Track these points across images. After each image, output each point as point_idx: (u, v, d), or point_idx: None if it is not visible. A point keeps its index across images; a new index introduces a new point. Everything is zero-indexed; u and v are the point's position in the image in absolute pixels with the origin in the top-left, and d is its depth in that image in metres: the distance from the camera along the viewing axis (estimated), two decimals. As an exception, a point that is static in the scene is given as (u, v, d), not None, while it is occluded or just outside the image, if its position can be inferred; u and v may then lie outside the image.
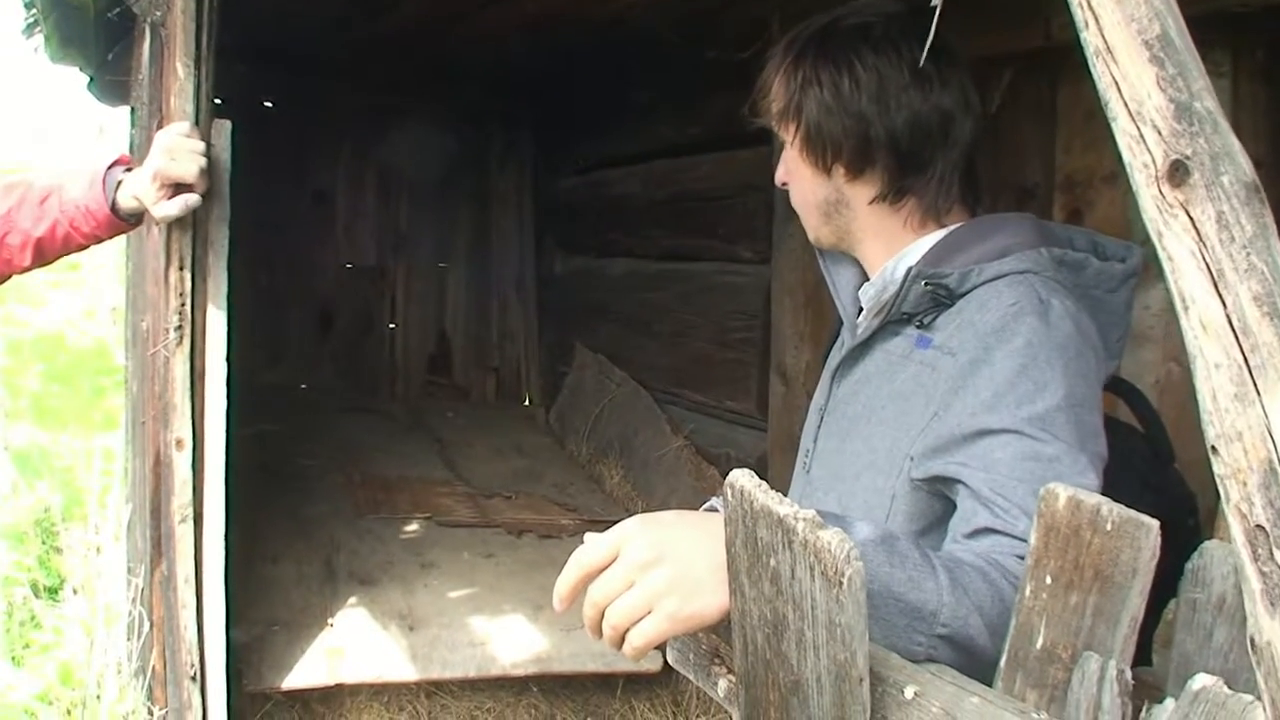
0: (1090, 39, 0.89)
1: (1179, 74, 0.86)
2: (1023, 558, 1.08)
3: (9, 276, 2.54)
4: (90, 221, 2.46)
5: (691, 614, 1.15)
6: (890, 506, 1.59)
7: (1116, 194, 2.78)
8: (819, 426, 1.81)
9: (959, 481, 1.45)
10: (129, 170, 2.52)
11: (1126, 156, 0.88)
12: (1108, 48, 0.88)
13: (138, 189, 2.47)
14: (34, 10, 4.62)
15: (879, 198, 1.70)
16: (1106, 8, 0.87)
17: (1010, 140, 3.04)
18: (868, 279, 1.78)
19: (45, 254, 2.50)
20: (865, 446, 1.65)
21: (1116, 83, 0.88)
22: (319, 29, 4.98)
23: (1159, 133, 0.86)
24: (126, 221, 2.52)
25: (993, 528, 1.37)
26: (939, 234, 1.70)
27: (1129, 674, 0.97)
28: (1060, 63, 2.82)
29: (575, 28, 4.47)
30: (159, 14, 2.93)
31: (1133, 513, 0.98)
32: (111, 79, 5.00)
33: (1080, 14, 0.89)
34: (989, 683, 1.06)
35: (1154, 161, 0.86)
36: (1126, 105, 0.87)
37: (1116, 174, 2.75)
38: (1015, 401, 1.45)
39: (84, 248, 2.55)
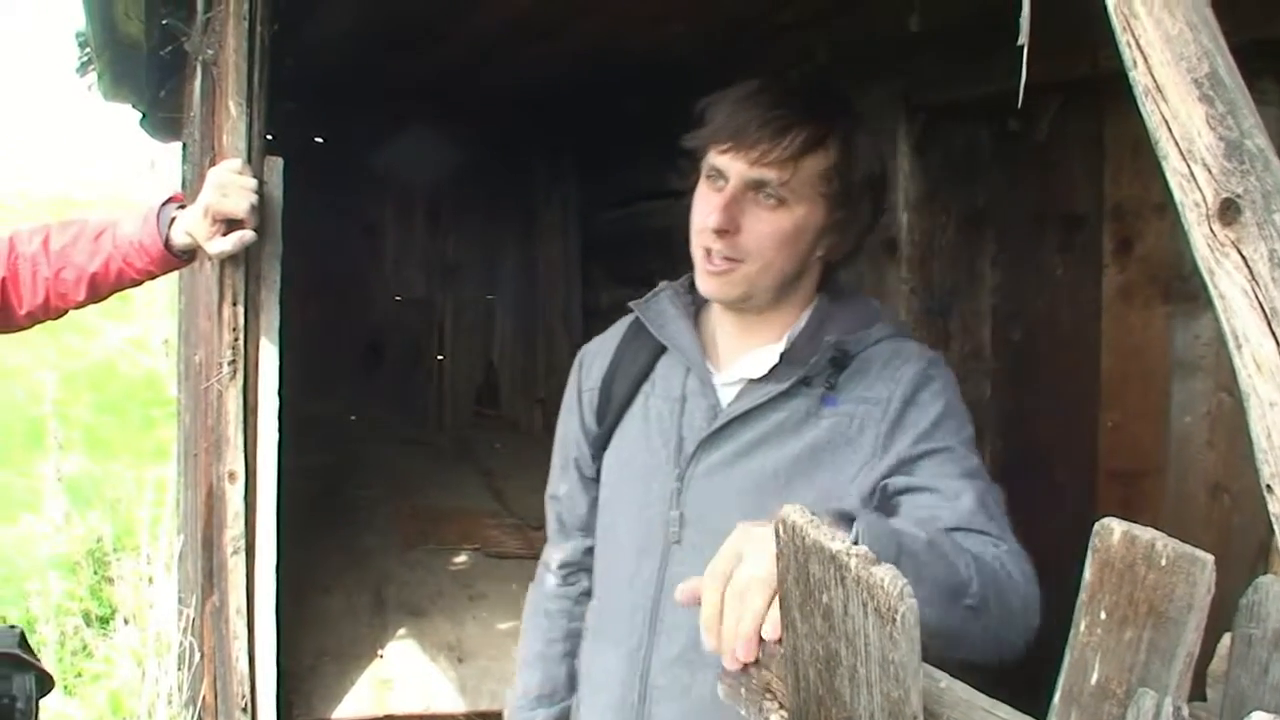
0: (1139, 78, 0.89)
1: (1229, 112, 0.86)
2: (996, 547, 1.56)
3: (65, 311, 2.57)
4: (144, 257, 2.49)
5: None
6: None
7: (1165, 224, 2.76)
8: (678, 494, 1.85)
9: (921, 489, 1.69)
10: (182, 207, 2.55)
11: (1177, 195, 0.88)
12: (1157, 86, 0.88)
13: (190, 225, 2.50)
14: (88, 49, 4.70)
15: (825, 278, 1.89)
16: (1155, 47, 0.87)
17: (1059, 169, 3.02)
18: (696, 352, 1.89)
19: (99, 289, 2.53)
20: (781, 498, 1.63)
21: (1166, 121, 0.88)
22: (367, 65, 5.03)
23: (1209, 171, 0.86)
24: (180, 258, 2.54)
25: (958, 526, 1.59)
26: (813, 305, 1.88)
27: (1186, 710, 0.96)
28: (1107, 91, 2.80)
29: (617, 60, 4.49)
30: (211, 52, 2.97)
31: (1188, 548, 0.97)
32: (163, 116, 5.08)
33: (1129, 53, 0.90)
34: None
35: (1205, 200, 0.86)
36: (1177, 144, 0.87)
37: (1166, 204, 2.72)
38: (950, 430, 1.76)
39: (138, 283, 2.58)
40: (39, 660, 2.30)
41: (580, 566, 2.13)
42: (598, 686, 1.98)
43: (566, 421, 2.11)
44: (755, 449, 1.81)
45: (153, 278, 2.58)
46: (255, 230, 2.60)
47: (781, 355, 1.81)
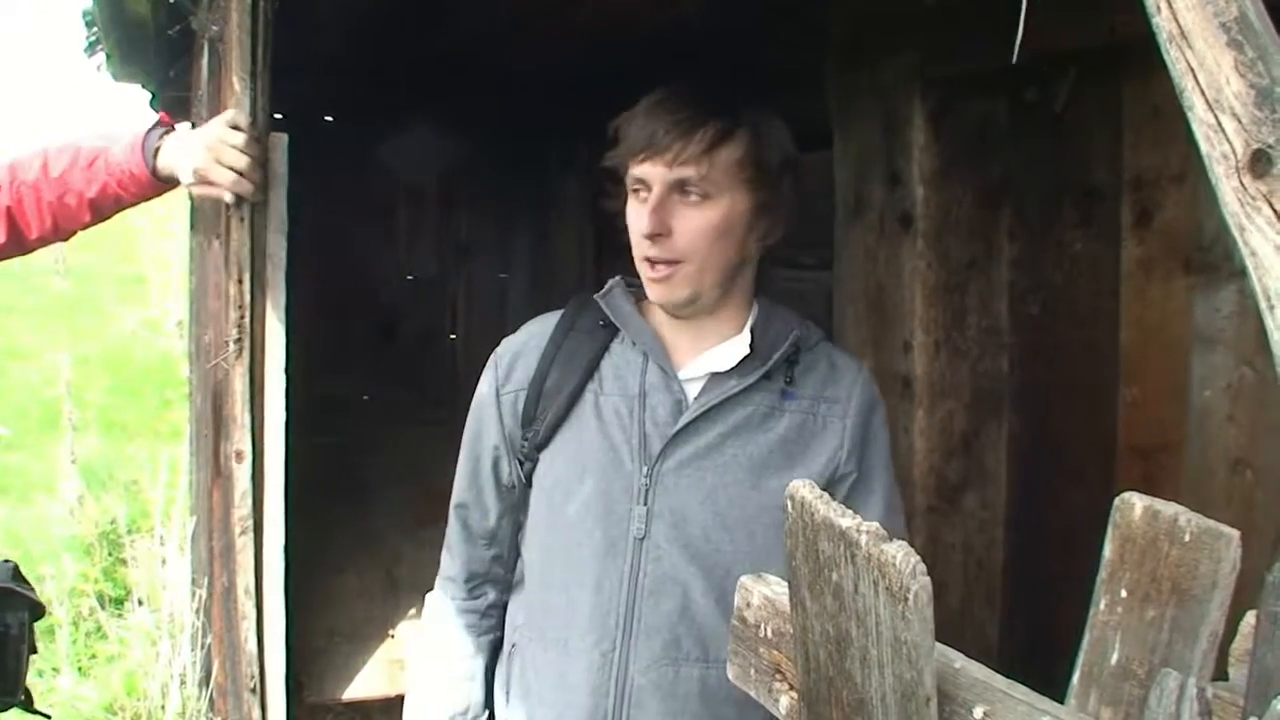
0: (1163, 24, 0.84)
1: (1259, 57, 0.80)
2: None
3: (74, 232, 2.60)
4: (135, 184, 2.51)
5: None
6: None
7: (1185, 194, 2.72)
8: (646, 490, 1.87)
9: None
10: (169, 131, 2.53)
11: (1204, 147, 0.83)
12: (1182, 32, 0.83)
13: (177, 163, 2.49)
14: (95, 29, 4.67)
15: (762, 270, 1.98)
16: (1181, -10, 0.83)
17: (1076, 141, 2.98)
18: (657, 344, 1.94)
19: (103, 211, 2.55)
20: (755, 489, 1.86)
21: (1192, 69, 0.83)
22: (379, 42, 5.00)
23: (1239, 121, 0.81)
24: (168, 183, 2.56)
25: None
26: (756, 304, 1.98)
27: (1210, 692, 0.93)
28: (1125, 60, 2.76)
29: (629, 39, 4.45)
30: (216, 29, 2.94)
31: (1211, 523, 0.94)
32: (173, 95, 5.05)
33: (1152, -2, 0.85)
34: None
35: (1234, 152, 0.81)
36: (1204, 93, 0.82)
37: (1185, 174, 2.69)
38: (887, 444, 1.99)
39: (136, 204, 2.62)
40: (32, 591, 2.41)
41: (486, 578, 2.13)
42: (555, 698, 1.92)
43: (480, 426, 2.08)
44: (725, 443, 1.87)
45: (148, 200, 2.60)
46: (255, 203, 2.60)
47: (750, 347, 1.90)
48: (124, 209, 2.60)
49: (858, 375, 1.97)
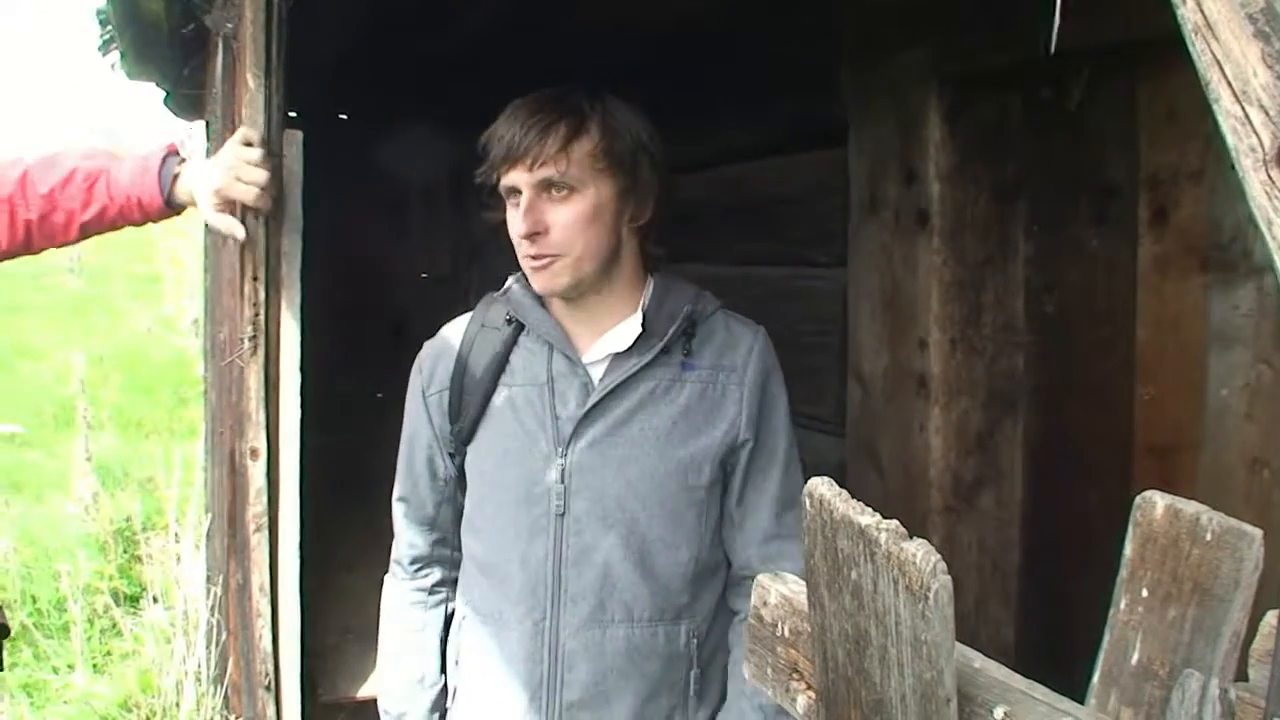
0: (1188, 15, 0.83)
1: (1287, 49, 0.80)
2: None
3: (46, 249, 2.55)
4: (140, 211, 2.48)
5: None
6: (706, 498, 2.06)
7: (1202, 192, 2.70)
8: (563, 470, 2.03)
9: (762, 486, 2.10)
10: (183, 161, 2.51)
11: (1231, 140, 0.82)
12: (1207, 23, 0.82)
13: (194, 194, 2.47)
14: (109, 27, 4.67)
15: (644, 250, 2.13)
16: (1206, -19, 0.82)
17: (1092, 138, 2.96)
18: (559, 333, 2.09)
19: (89, 232, 2.52)
20: (662, 458, 2.03)
21: (1218, 61, 0.82)
22: (391, 41, 5.00)
23: (1266, 113, 0.79)
24: (176, 211, 2.54)
25: (780, 535, 2.10)
26: (650, 282, 2.13)
27: (1232, 693, 0.92)
28: (1141, 57, 2.74)
29: (640, 35, 4.44)
30: (230, 26, 2.94)
31: (1234, 522, 0.93)
32: (187, 93, 5.05)
33: (1176, -11, 0.84)
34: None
35: (1261, 144, 0.80)
36: (1230, 85, 0.81)
37: (1202, 171, 2.67)
38: (784, 408, 2.14)
39: (122, 229, 2.59)
40: None
41: (430, 560, 2.31)
42: (496, 667, 2.09)
43: (413, 426, 2.25)
44: (632, 417, 2.03)
45: (138, 225, 2.59)
46: (269, 211, 2.58)
47: (642, 326, 2.05)
48: (118, 229, 2.57)
49: (753, 342, 2.11)
